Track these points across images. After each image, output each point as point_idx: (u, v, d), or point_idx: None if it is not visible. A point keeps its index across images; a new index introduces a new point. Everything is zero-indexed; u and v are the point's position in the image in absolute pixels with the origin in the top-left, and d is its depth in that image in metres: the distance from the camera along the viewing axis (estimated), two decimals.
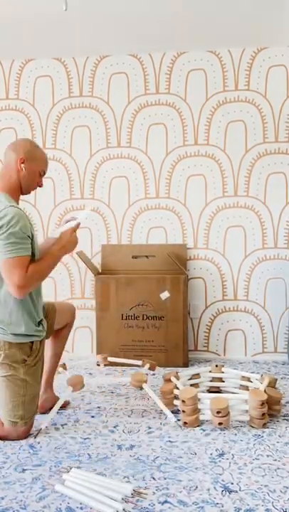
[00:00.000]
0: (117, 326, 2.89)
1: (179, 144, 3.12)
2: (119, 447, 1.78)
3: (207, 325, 3.13)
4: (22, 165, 1.86)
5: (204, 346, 3.13)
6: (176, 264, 2.93)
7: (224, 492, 1.45)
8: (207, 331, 3.13)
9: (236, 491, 1.46)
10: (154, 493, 1.45)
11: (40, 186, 1.99)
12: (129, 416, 2.10)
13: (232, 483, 1.51)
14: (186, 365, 2.87)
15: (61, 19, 2.62)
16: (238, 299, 3.10)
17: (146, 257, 3.08)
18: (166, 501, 1.41)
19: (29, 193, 1.97)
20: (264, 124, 3.05)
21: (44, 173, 1.98)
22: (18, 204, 1.89)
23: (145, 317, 2.86)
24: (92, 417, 2.09)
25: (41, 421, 1.97)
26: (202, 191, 3.11)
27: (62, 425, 2.00)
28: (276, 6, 2.55)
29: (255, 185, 3.07)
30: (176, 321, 2.86)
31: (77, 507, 1.38)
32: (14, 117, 3.24)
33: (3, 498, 1.43)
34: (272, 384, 2.14)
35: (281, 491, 1.45)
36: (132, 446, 1.79)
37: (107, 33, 2.85)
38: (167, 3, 2.50)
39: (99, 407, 2.21)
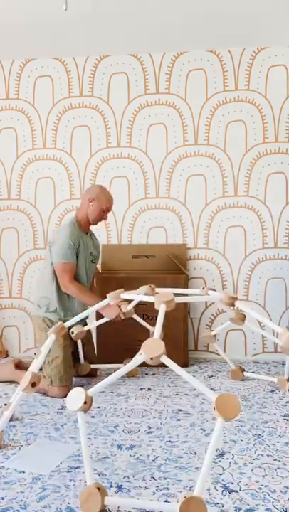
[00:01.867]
0: (117, 326, 2.89)
1: (179, 143, 3.12)
2: (119, 447, 1.78)
3: (207, 325, 3.13)
4: (90, 203, 2.51)
5: (204, 346, 3.12)
6: (176, 264, 2.93)
7: (224, 492, 1.45)
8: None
9: (236, 491, 1.46)
10: (154, 493, 1.45)
11: (105, 219, 2.60)
12: (129, 416, 2.09)
13: (232, 483, 1.51)
14: (186, 365, 2.87)
15: (61, 19, 2.63)
16: (238, 299, 3.09)
17: (147, 256, 3.07)
18: (166, 501, 1.41)
19: (96, 224, 2.59)
20: (264, 124, 3.06)
21: (108, 209, 2.56)
22: (82, 230, 2.55)
23: (145, 317, 2.86)
24: (92, 417, 2.09)
25: None
26: (202, 191, 3.12)
27: (62, 425, 2.00)
28: (276, 6, 2.55)
29: (255, 185, 3.07)
30: (176, 321, 2.86)
31: (77, 507, 1.38)
32: (14, 117, 3.24)
33: (3, 498, 1.43)
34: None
35: (281, 491, 1.45)
36: (132, 446, 1.79)
37: (107, 33, 2.85)
38: (167, 3, 2.50)
39: (99, 407, 2.21)
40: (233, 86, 3.07)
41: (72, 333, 2.44)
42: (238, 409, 1.33)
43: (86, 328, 2.49)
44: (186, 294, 2.38)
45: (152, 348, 1.51)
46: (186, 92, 3.11)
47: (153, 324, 2.83)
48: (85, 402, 1.45)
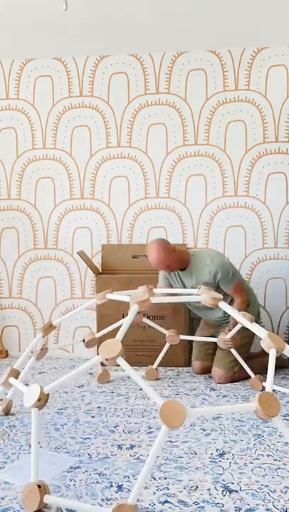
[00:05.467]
0: (117, 326, 2.89)
1: (179, 143, 3.12)
2: (120, 447, 1.78)
3: None
4: None
5: None
6: None
7: (225, 492, 1.45)
8: None
9: (237, 491, 1.46)
10: (154, 493, 1.45)
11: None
12: (129, 416, 2.09)
13: (232, 483, 1.50)
14: (186, 364, 2.87)
15: (61, 19, 2.62)
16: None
17: (147, 256, 3.07)
18: (166, 501, 1.41)
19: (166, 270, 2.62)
20: (264, 124, 3.05)
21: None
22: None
23: (146, 317, 2.85)
24: (92, 417, 2.09)
25: None
26: (202, 191, 3.12)
27: (62, 425, 2.00)
28: (276, 6, 2.55)
29: (255, 185, 3.07)
30: (176, 320, 2.86)
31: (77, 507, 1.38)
32: (14, 117, 3.23)
33: (3, 498, 1.43)
34: None
35: (282, 491, 1.45)
36: (132, 446, 1.79)
37: (107, 33, 2.85)
38: (167, 3, 2.50)
39: (99, 407, 2.21)
40: (233, 86, 3.07)
41: (84, 341, 2.44)
42: (183, 418, 1.25)
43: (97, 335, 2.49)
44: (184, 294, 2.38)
45: (109, 349, 1.45)
46: (186, 92, 3.11)
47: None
48: (39, 399, 1.45)
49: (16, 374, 1.92)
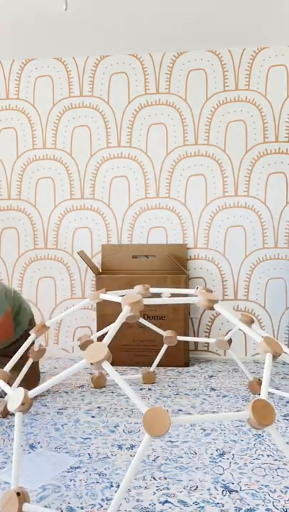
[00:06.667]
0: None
1: (179, 143, 3.13)
2: (120, 447, 1.78)
3: (207, 325, 3.13)
4: None
5: (204, 346, 3.12)
6: (176, 264, 2.93)
7: (225, 492, 1.45)
8: (207, 330, 3.13)
9: (237, 491, 1.46)
10: (154, 493, 1.45)
11: None
12: (129, 416, 2.09)
13: (232, 483, 1.51)
14: (186, 364, 2.87)
15: (61, 19, 2.63)
16: (238, 299, 3.10)
17: (147, 256, 3.07)
18: (166, 501, 1.41)
19: None
20: (264, 124, 3.06)
21: None
22: None
23: (146, 317, 2.86)
24: (93, 417, 2.09)
25: None
26: (202, 191, 3.12)
27: (62, 425, 2.00)
28: (276, 6, 2.55)
29: (256, 185, 3.07)
30: (176, 320, 2.86)
31: (77, 507, 1.38)
32: (14, 117, 3.24)
33: None
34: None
35: (282, 491, 1.45)
36: (132, 446, 1.79)
37: (107, 33, 2.85)
38: (167, 3, 2.50)
39: (99, 407, 2.21)
40: (233, 86, 3.07)
41: (78, 340, 2.50)
42: (167, 428, 1.19)
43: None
44: (185, 295, 2.37)
45: (94, 352, 1.37)
46: (186, 92, 3.11)
47: (155, 325, 2.84)
48: (23, 404, 1.40)
49: (4, 376, 1.90)
